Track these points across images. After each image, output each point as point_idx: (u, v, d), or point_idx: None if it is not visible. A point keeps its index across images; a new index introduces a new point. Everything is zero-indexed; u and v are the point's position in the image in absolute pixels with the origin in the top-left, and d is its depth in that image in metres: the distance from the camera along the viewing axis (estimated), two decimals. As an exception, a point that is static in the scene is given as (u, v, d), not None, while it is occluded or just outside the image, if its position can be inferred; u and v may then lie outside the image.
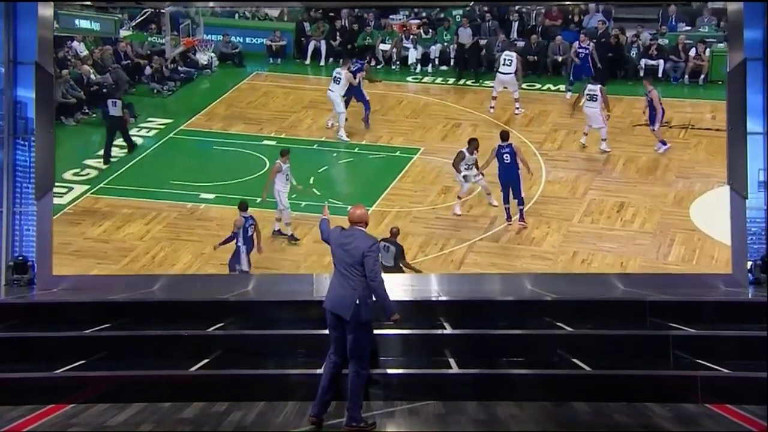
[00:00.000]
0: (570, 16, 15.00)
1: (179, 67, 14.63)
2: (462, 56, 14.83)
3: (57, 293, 11.28)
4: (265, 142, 13.69)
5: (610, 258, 12.01)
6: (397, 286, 11.35)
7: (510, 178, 12.24)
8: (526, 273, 11.77)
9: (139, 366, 7.69)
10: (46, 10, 12.52)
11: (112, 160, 13.35)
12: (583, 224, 12.44)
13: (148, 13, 14.08)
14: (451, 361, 7.78)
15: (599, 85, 13.24)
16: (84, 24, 13.20)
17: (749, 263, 12.16)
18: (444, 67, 15.04)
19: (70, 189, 12.93)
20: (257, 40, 15.18)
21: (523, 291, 11.00)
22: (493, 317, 8.87)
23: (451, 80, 14.90)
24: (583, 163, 13.28)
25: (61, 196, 12.75)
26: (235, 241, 11.96)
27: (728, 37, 12.67)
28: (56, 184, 12.69)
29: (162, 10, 13.74)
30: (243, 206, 12.10)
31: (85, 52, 14.16)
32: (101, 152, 13.43)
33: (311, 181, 13.02)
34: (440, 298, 10.09)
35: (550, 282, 11.28)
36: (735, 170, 12.08)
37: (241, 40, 15.09)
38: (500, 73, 13.95)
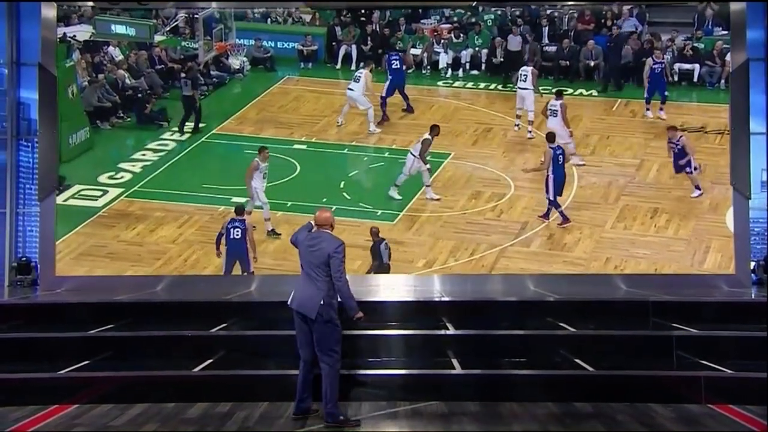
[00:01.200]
0: (603, 21, 14.73)
1: (211, 72, 14.63)
2: (508, 62, 14.57)
3: (60, 294, 11.30)
4: (296, 146, 13.69)
5: (643, 264, 11.93)
6: (400, 287, 11.39)
7: (564, 178, 12.32)
8: (528, 273, 11.77)
9: (143, 366, 7.70)
10: (49, 11, 12.54)
11: (146, 163, 13.50)
12: (615, 230, 12.33)
13: (181, 18, 14.14)
14: (454, 361, 7.78)
15: (560, 101, 13.16)
16: (120, 29, 13.30)
17: (752, 263, 12.14)
18: (475, 72, 14.97)
19: (105, 192, 13.02)
20: (289, 45, 15.23)
21: (526, 291, 11.00)
22: (496, 318, 8.86)
23: (482, 85, 14.83)
24: (616, 169, 13.14)
25: (95, 199, 12.90)
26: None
27: (731, 38, 12.63)
28: (91, 187, 12.97)
29: (195, 15, 13.79)
30: (237, 210, 12.06)
31: (121, 57, 14.27)
32: (135, 155, 13.62)
33: (341, 186, 13.02)
34: (443, 299, 10.10)
35: (552, 282, 11.28)
36: (738, 170, 12.07)
37: (273, 45, 15.11)
38: (519, 88, 13.84)
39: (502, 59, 14.67)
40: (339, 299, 6.58)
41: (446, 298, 10.08)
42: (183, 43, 14.43)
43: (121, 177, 13.30)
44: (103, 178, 13.22)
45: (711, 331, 8.27)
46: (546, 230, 12.36)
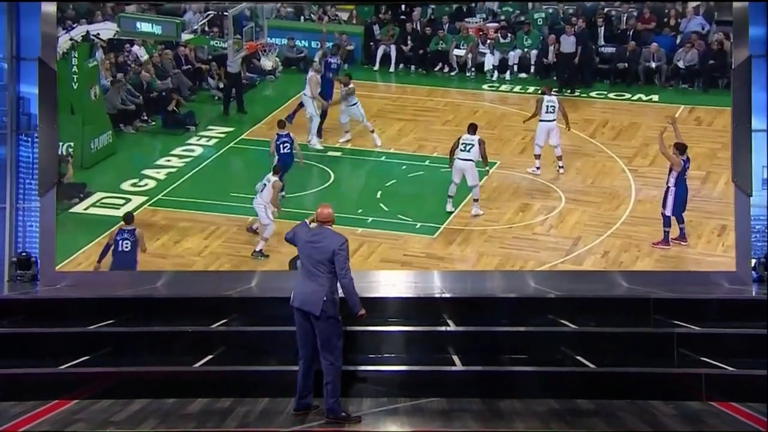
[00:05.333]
0: (665, 20, 13.56)
1: (242, 73, 13.65)
2: (564, 67, 13.52)
3: (60, 289, 11.27)
4: (330, 153, 12.96)
5: None
6: (401, 283, 11.37)
7: (687, 193, 11.58)
8: (529, 270, 11.68)
9: (143, 362, 7.70)
10: (49, 6, 12.47)
11: (171, 170, 12.87)
12: (678, 248, 11.60)
13: (210, 16, 13.32)
14: (455, 358, 7.78)
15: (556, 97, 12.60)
16: (145, 27, 12.59)
17: (753, 261, 12.12)
18: (523, 75, 13.87)
19: (128, 200, 12.42)
20: None
21: (527, 288, 10.97)
22: (497, 314, 8.85)
23: (531, 89, 13.62)
24: (679, 181, 11.72)
25: (118, 208, 12.32)
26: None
27: (733, 35, 12.55)
28: (113, 195, 12.50)
29: (225, 13, 13.02)
30: (127, 218, 11.66)
31: (146, 57, 13.48)
32: (160, 161, 12.96)
33: (378, 196, 12.37)
34: (444, 295, 10.07)
35: (553, 279, 11.24)
36: (739, 167, 12.02)
37: (307, 44, 14.11)
38: (543, 121, 12.52)
39: (554, 60, 13.62)
40: (340, 295, 6.57)
41: (447, 295, 10.06)
42: (212, 42, 13.48)
43: (145, 184, 12.66)
44: (125, 186, 12.61)
45: (712, 329, 8.27)
46: (600, 247, 11.64)
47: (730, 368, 7.43)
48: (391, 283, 11.31)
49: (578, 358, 7.75)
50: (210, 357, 7.80)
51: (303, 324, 6.55)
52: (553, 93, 12.85)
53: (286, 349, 7.39)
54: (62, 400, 7.13)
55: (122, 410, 6.88)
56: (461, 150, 11.93)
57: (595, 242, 11.78)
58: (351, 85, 12.96)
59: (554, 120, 12.53)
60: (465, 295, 10.33)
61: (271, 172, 11.98)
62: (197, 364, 7.56)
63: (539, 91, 12.98)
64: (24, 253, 12.80)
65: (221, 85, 13.58)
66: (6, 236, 12.96)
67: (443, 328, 8.37)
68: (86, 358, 7.80)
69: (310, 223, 6.73)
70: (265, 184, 11.91)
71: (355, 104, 12.96)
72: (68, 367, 7.51)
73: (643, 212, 12.04)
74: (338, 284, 6.53)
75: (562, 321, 8.50)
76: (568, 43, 13.57)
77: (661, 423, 6.55)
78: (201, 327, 8.27)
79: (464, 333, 8.26)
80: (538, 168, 12.54)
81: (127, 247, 11.63)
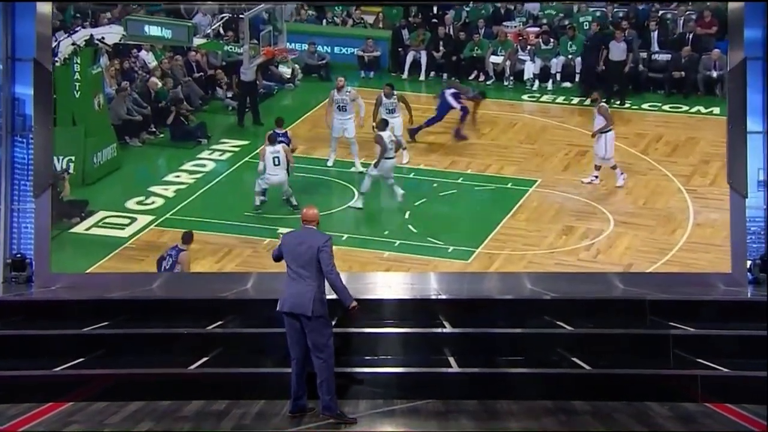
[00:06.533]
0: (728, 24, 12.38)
1: (258, 81, 12.74)
2: (614, 75, 12.55)
3: (55, 291, 11.24)
4: (354, 169, 12.20)
5: None
6: (397, 285, 11.36)
7: None
8: (525, 272, 11.66)
9: (138, 364, 7.66)
10: (44, 7, 12.44)
11: (180, 187, 12.19)
12: None
13: (225, 19, 12.43)
14: (451, 359, 7.77)
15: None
16: (154, 31, 11.76)
17: (748, 262, 12.14)
18: (567, 84, 12.80)
19: (133, 220, 11.72)
20: (347, 50, 13.22)
21: (523, 290, 10.97)
22: (493, 316, 8.85)
23: (576, 99, 12.59)
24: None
25: (122, 228, 11.62)
26: None
27: (728, 36, 12.54)
28: (117, 214, 11.84)
29: (241, 15, 12.10)
30: (184, 237, 11.31)
31: (154, 63, 12.56)
32: (169, 177, 12.22)
33: (407, 216, 11.63)
34: (440, 297, 10.08)
35: (549, 281, 11.23)
36: (735, 169, 12.04)
37: (329, 50, 13.15)
38: (612, 130, 11.75)
39: (602, 69, 12.59)
40: (327, 296, 6.56)
41: (443, 296, 10.07)
42: (226, 48, 12.58)
43: (152, 202, 11.95)
44: (131, 204, 11.92)
45: (708, 330, 8.27)
46: (653, 275, 11.04)
47: (726, 369, 7.43)
48: (387, 284, 11.30)
49: (574, 359, 7.75)
50: (206, 359, 7.78)
51: (293, 325, 6.56)
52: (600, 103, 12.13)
53: (282, 350, 7.33)
54: (58, 402, 7.09)
55: (118, 412, 6.86)
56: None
57: (647, 270, 11.16)
58: (394, 97, 12.30)
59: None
60: (461, 297, 10.32)
61: (267, 143, 11.55)
62: (193, 366, 7.54)
63: (593, 100, 12.14)
64: (19, 255, 12.76)
65: (229, 95, 12.86)
66: (1, 238, 12.92)
67: (439, 330, 8.37)
68: (82, 359, 7.77)
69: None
70: (277, 157, 11.45)
71: (398, 116, 12.28)
72: (64, 369, 7.48)
73: (703, 237, 11.32)
74: (326, 283, 6.52)
75: (558, 322, 8.50)
76: (617, 50, 12.55)
77: (656, 424, 6.55)
78: (197, 329, 8.25)
79: (460, 334, 8.25)
80: (596, 176, 11.77)
81: (167, 266, 11.30)
